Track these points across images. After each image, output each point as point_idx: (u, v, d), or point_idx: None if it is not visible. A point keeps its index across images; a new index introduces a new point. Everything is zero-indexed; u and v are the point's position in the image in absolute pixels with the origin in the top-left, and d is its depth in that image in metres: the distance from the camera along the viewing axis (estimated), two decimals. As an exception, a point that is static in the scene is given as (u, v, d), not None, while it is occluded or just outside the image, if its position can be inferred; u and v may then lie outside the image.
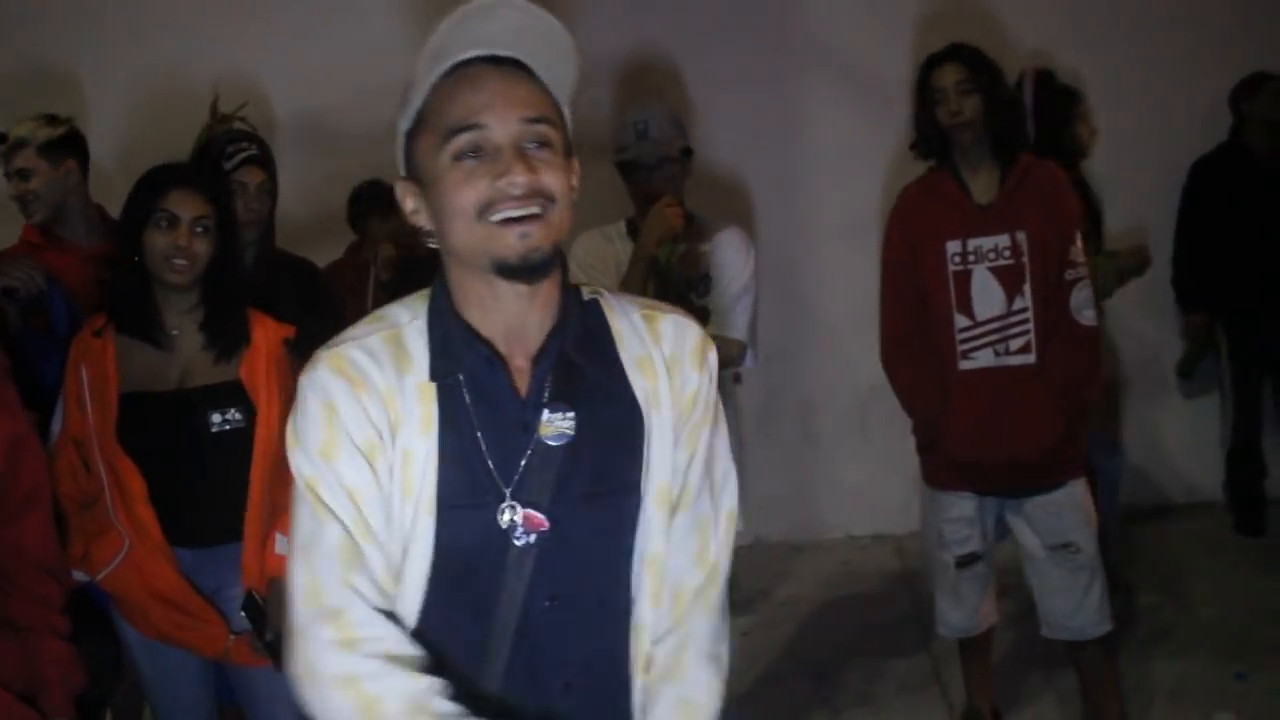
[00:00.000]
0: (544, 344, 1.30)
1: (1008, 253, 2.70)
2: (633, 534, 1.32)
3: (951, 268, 2.73)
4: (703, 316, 2.63)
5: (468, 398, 1.28)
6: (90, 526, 2.26)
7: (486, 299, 1.28)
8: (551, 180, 1.22)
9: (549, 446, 1.27)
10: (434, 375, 1.27)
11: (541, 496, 1.27)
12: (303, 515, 1.29)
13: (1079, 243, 2.73)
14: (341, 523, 1.25)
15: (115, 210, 2.49)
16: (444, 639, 1.29)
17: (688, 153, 2.73)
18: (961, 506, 2.85)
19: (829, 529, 4.79)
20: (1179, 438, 4.86)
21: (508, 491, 1.27)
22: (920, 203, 2.81)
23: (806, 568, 4.51)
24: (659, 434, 1.32)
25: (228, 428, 2.27)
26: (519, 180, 1.20)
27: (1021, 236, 2.69)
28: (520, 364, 1.30)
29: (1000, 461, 2.73)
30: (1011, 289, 2.70)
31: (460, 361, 1.27)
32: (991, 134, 2.70)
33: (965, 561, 2.88)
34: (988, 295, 2.71)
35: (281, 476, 2.32)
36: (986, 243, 2.71)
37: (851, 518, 4.78)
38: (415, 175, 1.28)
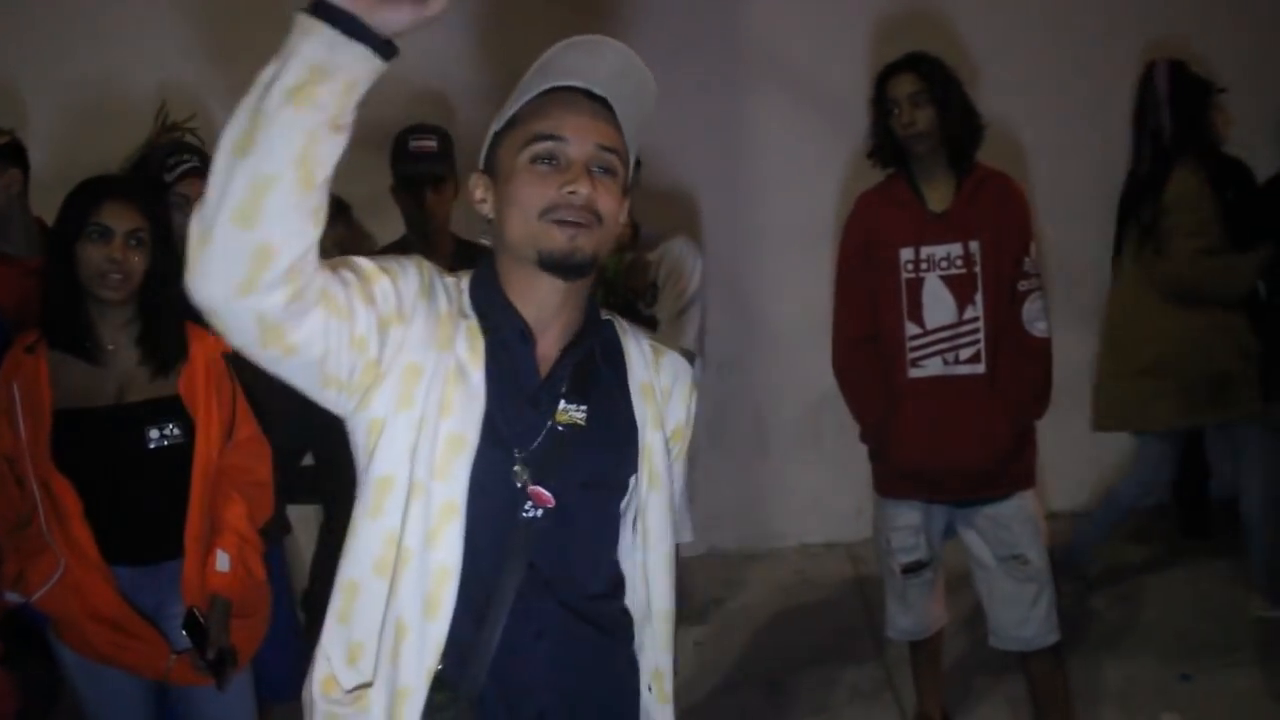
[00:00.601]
0: (575, 339, 1.44)
1: (960, 261, 2.71)
2: (616, 529, 1.47)
3: (904, 275, 2.74)
4: (650, 326, 2.63)
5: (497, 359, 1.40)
6: (24, 546, 2.20)
7: (525, 288, 1.41)
8: (606, 203, 1.38)
9: (559, 431, 1.39)
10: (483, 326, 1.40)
11: (548, 476, 1.38)
12: None
13: (1033, 253, 2.75)
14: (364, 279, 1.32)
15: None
16: (465, 591, 1.34)
17: (635, 163, 2.72)
18: (908, 515, 2.86)
19: (782, 537, 4.79)
20: (1121, 441, 4.91)
21: (519, 455, 1.37)
22: (875, 209, 2.83)
23: (760, 576, 4.52)
24: (654, 450, 1.47)
25: (166, 443, 2.23)
26: (582, 192, 1.35)
27: (974, 246, 2.70)
28: (544, 351, 1.43)
29: (947, 470, 2.74)
30: (963, 298, 2.71)
31: (498, 326, 1.40)
32: (947, 143, 2.72)
33: (911, 569, 2.90)
34: (939, 304, 2.72)
35: (221, 491, 2.31)
36: (939, 251, 2.72)
37: (804, 526, 4.79)
38: (491, 170, 1.44)
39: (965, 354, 2.72)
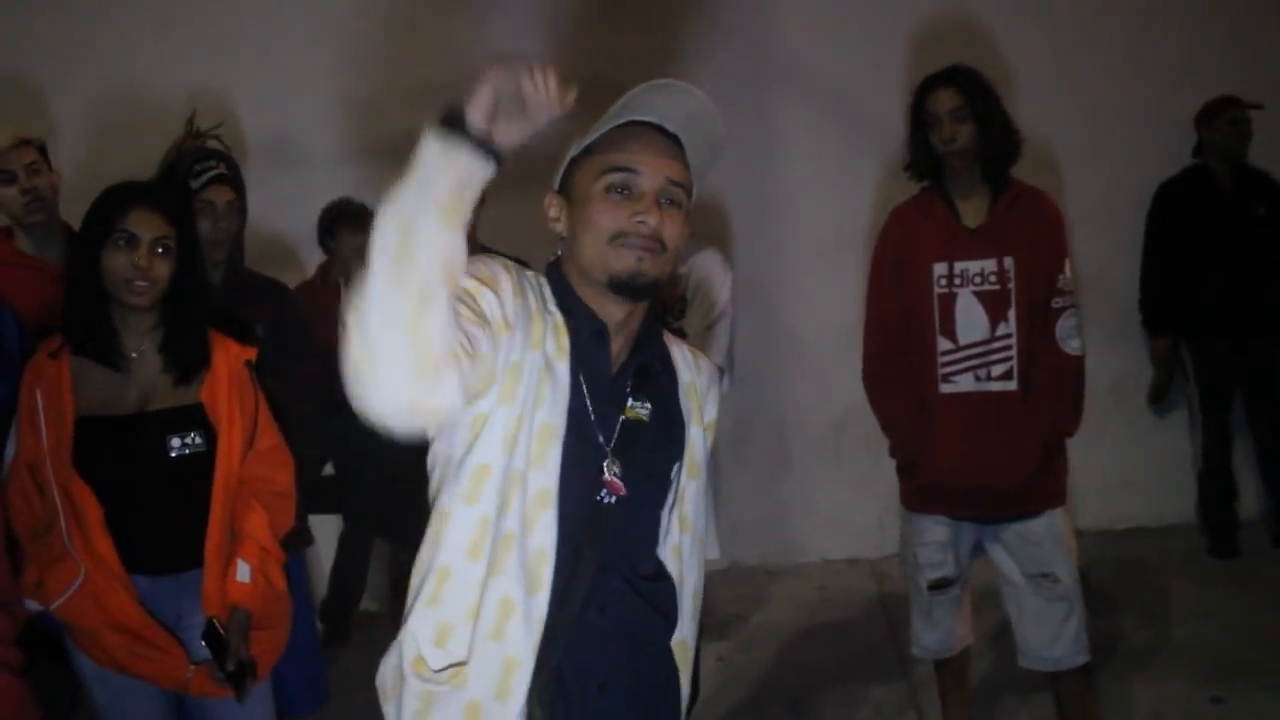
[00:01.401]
0: (638, 345, 1.57)
1: (994, 278, 2.68)
2: (667, 517, 1.59)
3: (937, 290, 2.71)
4: (680, 338, 2.60)
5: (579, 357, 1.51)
6: (45, 554, 2.19)
7: (595, 303, 1.52)
8: (671, 233, 1.49)
9: (628, 426, 1.52)
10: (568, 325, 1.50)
11: (621, 466, 1.50)
12: None
13: (1068, 270, 2.71)
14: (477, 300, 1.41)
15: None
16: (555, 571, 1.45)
17: None
18: (936, 531, 2.82)
19: (804, 553, 4.75)
20: (1151, 460, 4.86)
21: (609, 448, 1.50)
22: (910, 223, 2.80)
23: (782, 592, 4.47)
24: (695, 444, 1.62)
25: (187, 452, 2.21)
26: (650, 221, 1.46)
27: (1009, 262, 2.67)
28: (613, 353, 1.54)
29: (977, 487, 2.70)
30: (996, 314, 2.68)
31: (579, 326, 1.51)
32: (984, 159, 2.69)
33: (938, 586, 2.85)
34: (972, 319, 2.69)
35: (242, 501, 2.29)
36: (973, 266, 2.69)
37: (827, 541, 4.75)
38: (566, 191, 1.54)
39: (997, 370, 2.68)
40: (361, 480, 3.86)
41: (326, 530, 4.27)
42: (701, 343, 2.52)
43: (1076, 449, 2.82)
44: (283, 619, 2.39)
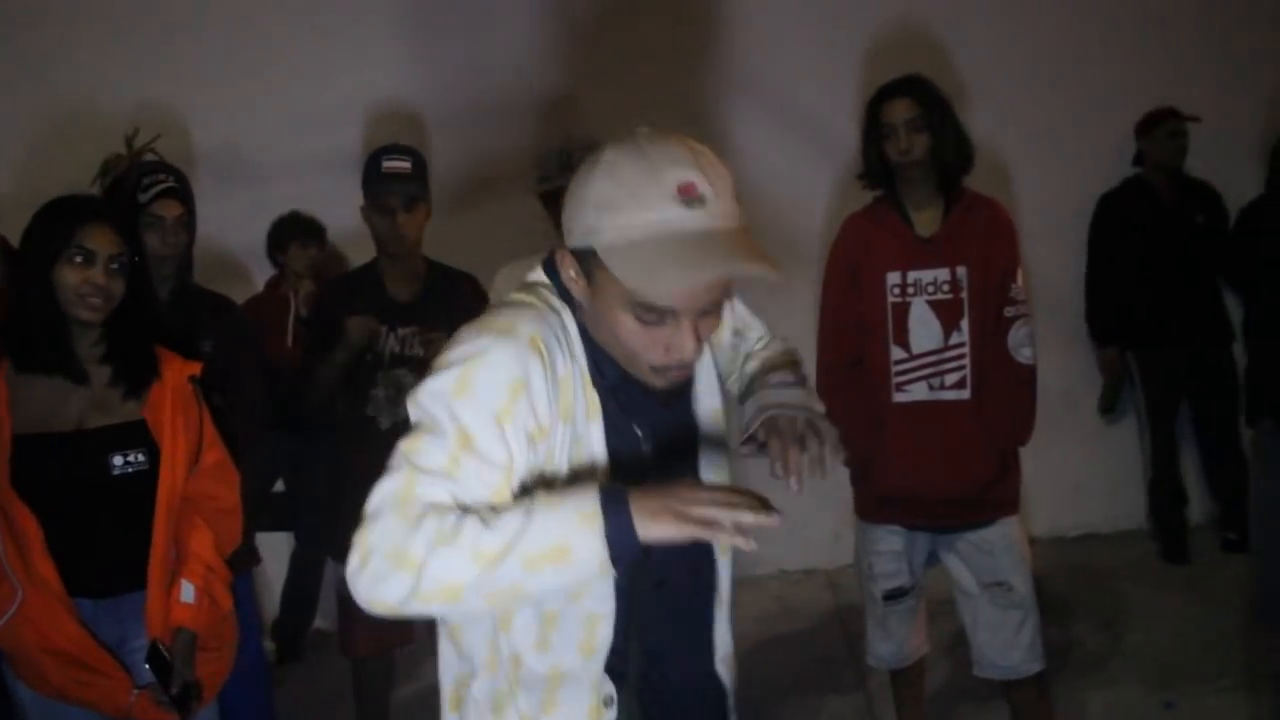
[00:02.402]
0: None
1: (946, 287, 2.69)
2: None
3: (890, 299, 2.71)
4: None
5: (617, 397, 1.40)
6: (-18, 577, 2.12)
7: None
8: (707, 334, 1.35)
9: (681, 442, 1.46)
10: (596, 382, 1.38)
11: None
12: (434, 446, 1.28)
13: (1020, 280, 2.72)
14: (467, 486, 1.27)
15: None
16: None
17: None
18: (890, 541, 2.83)
19: (761, 564, 4.75)
20: (1102, 467, 4.91)
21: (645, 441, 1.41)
22: (863, 232, 2.80)
23: (739, 603, 4.43)
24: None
25: (130, 470, 2.15)
26: (688, 359, 1.33)
27: (961, 271, 2.68)
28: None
29: (931, 496, 2.71)
30: (949, 323, 2.68)
31: (611, 378, 1.39)
32: (938, 168, 2.70)
33: (893, 596, 2.85)
34: (925, 329, 2.69)
35: (187, 519, 2.24)
36: (926, 276, 2.69)
37: (783, 552, 4.75)
38: (588, 270, 1.32)
39: (951, 379, 2.69)
40: (313, 497, 3.81)
41: (279, 549, 4.21)
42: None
43: (1029, 457, 2.83)
44: (229, 640, 2.34)
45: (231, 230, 4.08)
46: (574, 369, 1.36)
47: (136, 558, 2.15)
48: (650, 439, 1.43)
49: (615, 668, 1.42)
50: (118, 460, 2.15)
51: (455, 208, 3.80)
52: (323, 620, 4.25)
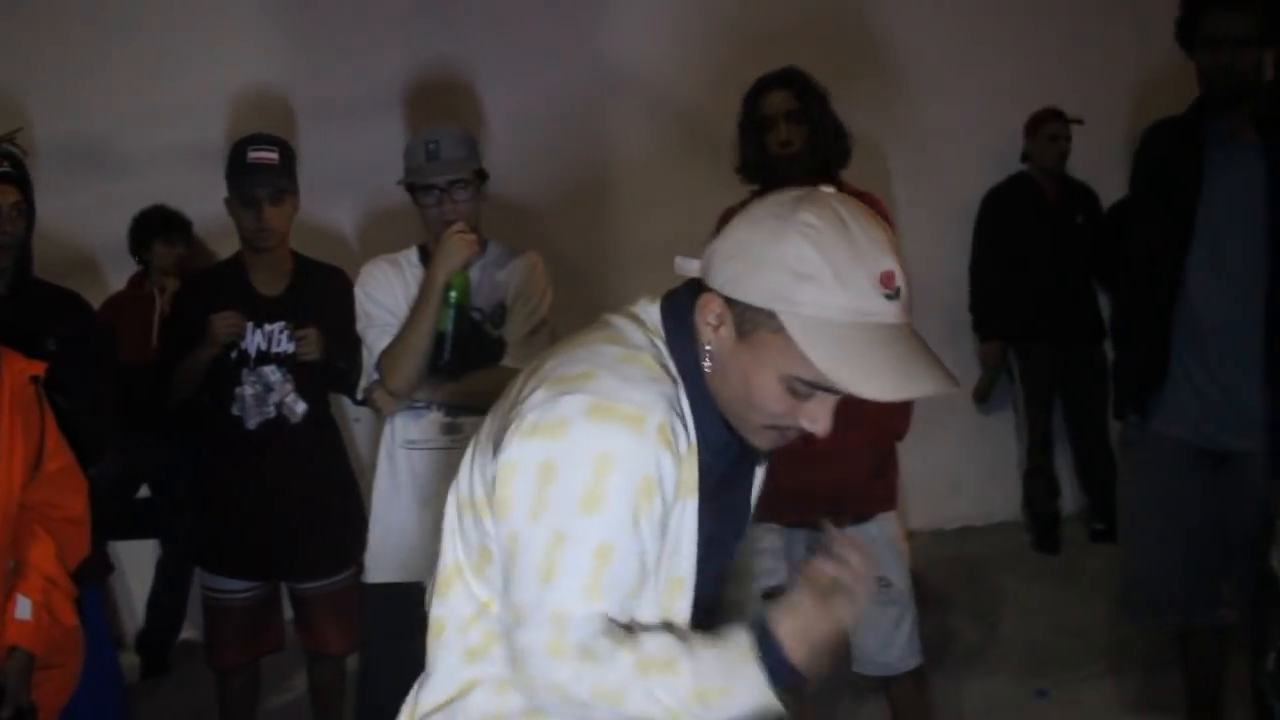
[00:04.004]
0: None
1: None
2: None
3: None
4: (499, 348, 2.51)
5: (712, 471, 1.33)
6: None
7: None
8: None
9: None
10: (704, 466, 1.30)
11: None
12: (572, 569, 1.22)
13: None
14: (609, 599, 1.23)
15: None
16: None
17: (482, 175, 2.61)
18: (768, 539, 2.80)
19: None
20: (979, 461, 5.02)
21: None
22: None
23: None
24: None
25: (-41, 476, 2.01)
26: (823, 433, 1.26)
27: None
28: None
29: (807, 493, 2.70)
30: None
31: (717, 454, 1.32)
32: (816, 161, 2.68)
33: (771, 594, 2.84)
34: None
35: (26, 529, 2.10)
36: None
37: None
38: (746, 326, 1.23)
39: (826, 375, 2.68)
40: (178, 502, 3.65)
41: (144, 557, 4.03)
42: (521, 352, 2.45)
43: (907, 451, 2.84)
44: (73, 657, 2.20)
45: (86, 225, 3.89)
46: (687, 446, 1.28)
47: (-35, 572, 2.01)
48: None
49: None
50: (-53, 468, 2.00)
51: (323, 200, 3.67)
52: (192, 630, 4.07)
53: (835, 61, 4.32)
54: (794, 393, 1.23)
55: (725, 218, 2.80)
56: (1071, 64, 4.77)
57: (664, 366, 1.28)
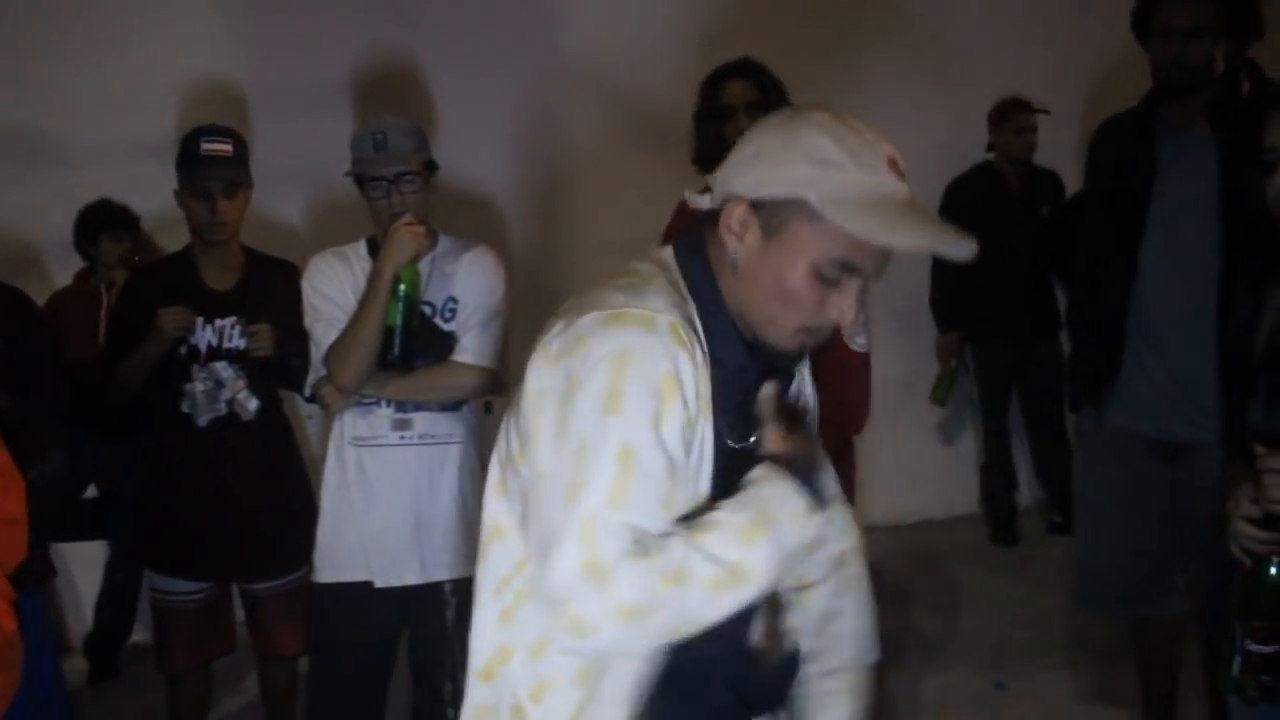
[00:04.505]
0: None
1: None
2: None
3: None
4: (450, 342, 2.47)
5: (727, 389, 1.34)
6: None
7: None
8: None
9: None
10: (715, 373, 1.31)
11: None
12: (595, 481, 1.19)
13: None
14: (643, 509, 1.21)
15: None
16: None
17: (431, 167, 2.56)
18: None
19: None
20: (938, 454, 5.04)
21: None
22: (694, 217, 2.74)
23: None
24: None
25: (-117, 480, 1.95)
26: (848, 320, 1.30)
27: None
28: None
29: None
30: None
31: (731, 376, 1.33)
32: None
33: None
34: None
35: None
36: None
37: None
38: (772, 222, 1.28)
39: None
40: (127, 502, 3.58)
41: (93, 558, 3.96)
42: (474, 346, 2.41)
43: (867, 445, 2.84)
44: (10, 664, 2.13)
45: (28, 220, 3.80)
46: (704, 357, 1.29)
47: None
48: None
49: None
50: None
51: (273, 192, 3.61)
52: (142, 633, 4.00)
53: (793, 56, 4.33)
54: (824, 280, 1.27)
55: (682, 208, 2.78)
56: (1035, 54, 4.78)
57: (676, 287, 1.32)
